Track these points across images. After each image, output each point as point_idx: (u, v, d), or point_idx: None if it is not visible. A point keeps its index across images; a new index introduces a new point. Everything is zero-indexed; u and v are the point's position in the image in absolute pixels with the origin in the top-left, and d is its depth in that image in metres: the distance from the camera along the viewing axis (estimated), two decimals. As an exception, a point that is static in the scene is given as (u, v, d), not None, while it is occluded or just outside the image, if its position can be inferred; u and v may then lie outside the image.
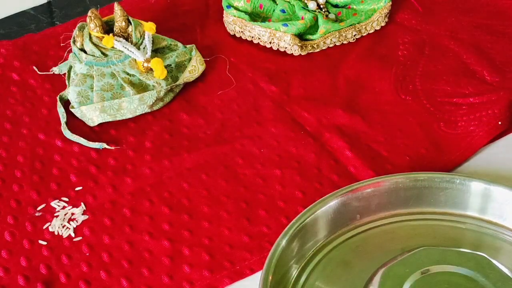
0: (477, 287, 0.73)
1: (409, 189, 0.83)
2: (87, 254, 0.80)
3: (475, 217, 0.83)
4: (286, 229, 0.78)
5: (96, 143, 0.90)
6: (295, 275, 0.78)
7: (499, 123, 0.92)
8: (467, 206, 0.83)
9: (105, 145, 0.90)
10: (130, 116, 0.93)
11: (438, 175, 0.83)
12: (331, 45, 1.04)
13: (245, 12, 1.05)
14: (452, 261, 0.75)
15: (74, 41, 0.96)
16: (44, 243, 0.81)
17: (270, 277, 0.74)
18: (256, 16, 1.06)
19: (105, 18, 0.96)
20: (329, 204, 0.81)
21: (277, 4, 1.06)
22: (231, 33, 1.06)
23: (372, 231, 0.82)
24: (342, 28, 1.04)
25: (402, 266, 0.75)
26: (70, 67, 0.96)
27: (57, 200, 0.85)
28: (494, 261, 0.75)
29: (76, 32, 0.96)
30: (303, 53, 1.03)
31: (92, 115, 0.92)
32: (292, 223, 0.79)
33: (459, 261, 0.75)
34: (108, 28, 0.96)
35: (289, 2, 1.05)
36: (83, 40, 0.95)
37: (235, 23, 1.05)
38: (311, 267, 0.79)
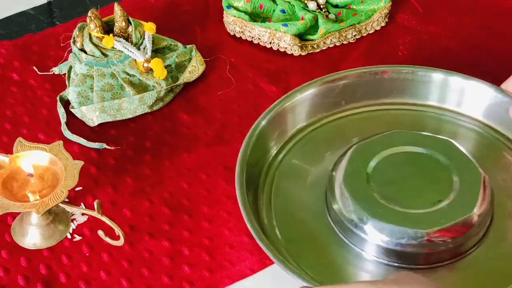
0: (438, 165, 0.79)
1: (393, 80, 0.90)
2: (87, 254, 0.80)
3: (453, 110, 0.91)
4: (268, 109, 0.86)
5: (96, 143, 0.90)
6: (274, 153, 0.86)
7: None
8: (445, 99, 0.91)
9: (105, 145, 0.90)
10: (130, 116, 0.93)
11: (421, 68, 0.90)
12: (331, 45, 1.04)
13: (245, 12, 1.05)
14: (420, 143, 0.81)
15: (74, 41, 0.96)
16: (44, 243, 0.82)
17: (249, 152, 0.81)
18: (256, 16, 1.06)
19: (105, 19, 0.96)
20: (316, 88, 0.88)
21: (277, 4, 1.06)
22: (231, 33, 1.06)
23: (355, 116, 0.90)
24: (342, 28, 1.04)
25: (374, 144, 0.81)
26: (70, 67, 0.96)
27: (57, 200, 0.86)
28: (458, 146, 0.81)
29: (76, 32, 0.96)
30: (303, 53, 1.03)
31: (92, 115, 0.92)
32: (275, 104, 0.86)
33: (425, 143, 0.81)
34: (108, 28, 0.96)
35: (289, 2, 1.05)
36: (83, 40, 0.95)
37: (235, 23, 1.05)
38: (290, 146, 0.87)
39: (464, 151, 0.81)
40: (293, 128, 0.88)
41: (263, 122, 0.85)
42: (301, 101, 0.88)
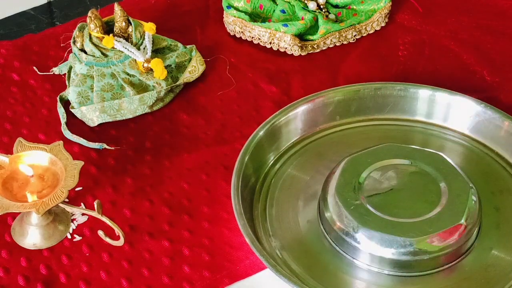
0: (427, 177, 0.81)
1: (387, 96, 0.92)
2: (87, 254, 0.80)
3: (439, 125, 0.93)
4: (265, 121, 0.87)
5: (96, 143, 0.90)
6: (270, 164, 0.88)
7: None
8: (432, 115, 0.93)
9: (105, 145, 0.90)
10: (130, 116, 0.93)
11: (412, 85, 0.93)
12: (331, 46, 1.04)
13: (245, 13, 1.05)
14: (409, 156, 0.83)
15: (74, 42, 0.96)
16: (44, 243, 0.82)
17: (245, 162, 0.84)
18: (256, 16, 1.06)
19: (105, 19, 0.96)
20: (312, 103, 0.90)
21: (277, 5, 1.06)
22: (231, 33, 1.06)
23: (349, 130, 0.92)
24: (342, 29, 1.04)
25: (365, 157, 0.83)
26: (70, 68, 0.96)
27: (57, 200, 0.86)
28: (447, 158, 0.82)
29: (76, 32, 0.96)
30: (303, 54, 1.03)
31: (92, 116, 0.92)
32: (272, 117, 0.88)
33: (415, 156, 0.83)
34: (108, 28, 0.96)
35: (289, 2, 1.05)
36: (83, 40, 0.95)
37: (235, 23, 1.05)
38: (286, 157, 0.89)
39: (453, 163, 0.82)
40: (289, 141, 0.90)
41: (261, 133, 0.87)
42: (298, 115, 0.90)
